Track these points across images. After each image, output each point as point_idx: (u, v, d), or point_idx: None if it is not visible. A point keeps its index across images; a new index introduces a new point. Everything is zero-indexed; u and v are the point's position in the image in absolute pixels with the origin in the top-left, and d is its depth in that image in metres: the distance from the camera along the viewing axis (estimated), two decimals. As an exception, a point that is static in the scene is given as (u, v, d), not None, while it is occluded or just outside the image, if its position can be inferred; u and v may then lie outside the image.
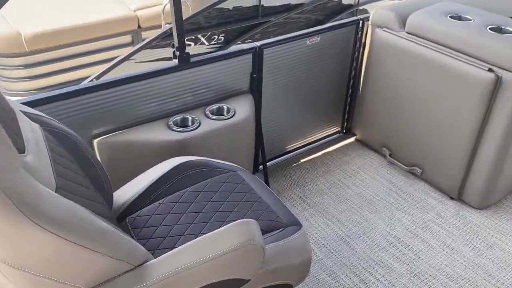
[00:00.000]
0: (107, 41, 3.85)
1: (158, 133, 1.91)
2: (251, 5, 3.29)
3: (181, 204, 1.48)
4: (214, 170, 1.63)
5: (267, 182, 2.39)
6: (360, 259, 2.02)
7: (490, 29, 2.09)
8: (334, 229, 2.18)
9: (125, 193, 1.54)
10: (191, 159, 1.66)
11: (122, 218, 1.47)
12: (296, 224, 1.46)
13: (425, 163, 2.43)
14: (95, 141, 1.84)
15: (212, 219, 1.42)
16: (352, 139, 2.86)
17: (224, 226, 1.15)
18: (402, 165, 2.54)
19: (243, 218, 1.43)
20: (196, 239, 1.13)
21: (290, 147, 2.64)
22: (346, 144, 2.80)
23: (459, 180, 2.28)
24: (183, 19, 1.87)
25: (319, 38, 2.37)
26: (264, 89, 2.29)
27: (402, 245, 2.09)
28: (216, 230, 1.14)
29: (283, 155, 2.64)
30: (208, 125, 1.99)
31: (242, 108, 2.12)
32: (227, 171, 1.64)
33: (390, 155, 2.62)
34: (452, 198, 2.38)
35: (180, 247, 1.11)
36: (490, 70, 1.99)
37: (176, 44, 1.92)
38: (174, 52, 1.96)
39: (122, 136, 1.87)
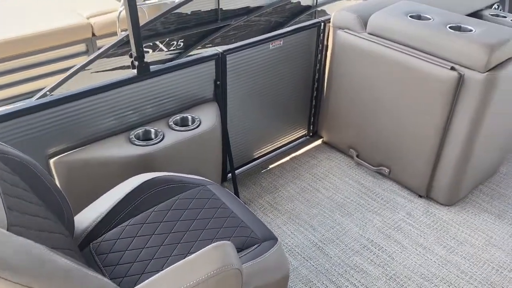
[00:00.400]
0: (60, 50, 3.66)
1: (119, 149, 1.81)
2: (209, 9, 3.21)
3: (149, 225, 1.39)
4: (182, 185, 1.55)
5: (236, 191, 2.33)
6: (335, 264, 2.00)
7: (450, 27, 2.11)
8: (307, 236, 2.14)
9: (87, 217, 1.44)
10: (157, 175, 1.57)
11: (85, 244, 1.37)
12: (271, 238, 1.40)
13: (392, 163, 2.43)
14: (52, 161, 1.72)
15: (183, 240, 1.35)
16: (319, 141, 2.84)
17: (198, 252, 1.08)
18: (370, 166, 2.54)
19: (216, 236, 1.36)
20: (169, 268, 1.05)
21: (258, 153, 2.59)
22: (313, 147, 2.78)
23: (427, 178, 2.30)
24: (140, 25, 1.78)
25: (282, 42, 2.32)
26: (228, 96, 2.23)
27: (375, 247, 2.08)
28: (190, 257, 1.07)
29: (252, 162, 2.58)
30: (172, 137, 1.90)
31: (207, 117, 2.05)
32: (196, 186, 1.56)
33: (357, 156, 2.61)
34: (420, 196, 2.40)
35: (152, 278, 1.03)
36: (452, 68, 2.01)
37: (134, 54, 1.83)
38: (132, 62, 1.87)
39: (80, 154, 1.76)
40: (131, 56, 1.86)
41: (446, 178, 2.25)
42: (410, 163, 2.34)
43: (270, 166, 2.61)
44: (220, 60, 2.09)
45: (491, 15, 3.06)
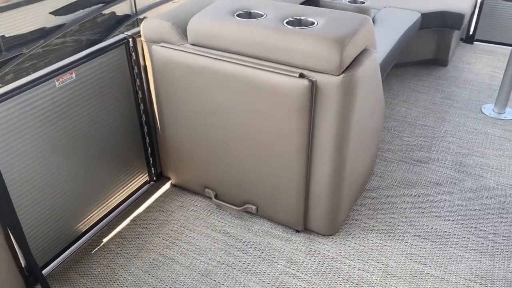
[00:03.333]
0: None
1: None
2: (-16, 39, 2.37)
3: None
4: None
5: (53, 299, 1.60)
6: None
7: (287, 23, 1.66)
8: None
9: None
10: None
11: None
12: None
13: (258, 198, 1.94)
14: None
15: None
16: (167, 185, 2.23)
17: None
18: (233, 206, 2.02)
19: None
20: None
21: (83, 226, 1.88)
22: (161, 195, 2.16)
23: (301, 208, 1.86)
24: None
25: (74, 75, 1.65)
26: (3, 169, 1.49)
27: (258, 325, 1.56)
28: None
29: (76, 242, 1.87)
30: None
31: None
32: None
33: (216, 196, 2.07)
34: (298, 231, 1.95)
35: None
36: (301, 75, 1.56)
37: None
38: None
39: None
40: None
41: (321, 203, 1.82)
42: (279, 194, 1.87)
43: (104, 240, 1.92)
44: (-31, 124, 1.35)
45: (328, -2, 2.76)
